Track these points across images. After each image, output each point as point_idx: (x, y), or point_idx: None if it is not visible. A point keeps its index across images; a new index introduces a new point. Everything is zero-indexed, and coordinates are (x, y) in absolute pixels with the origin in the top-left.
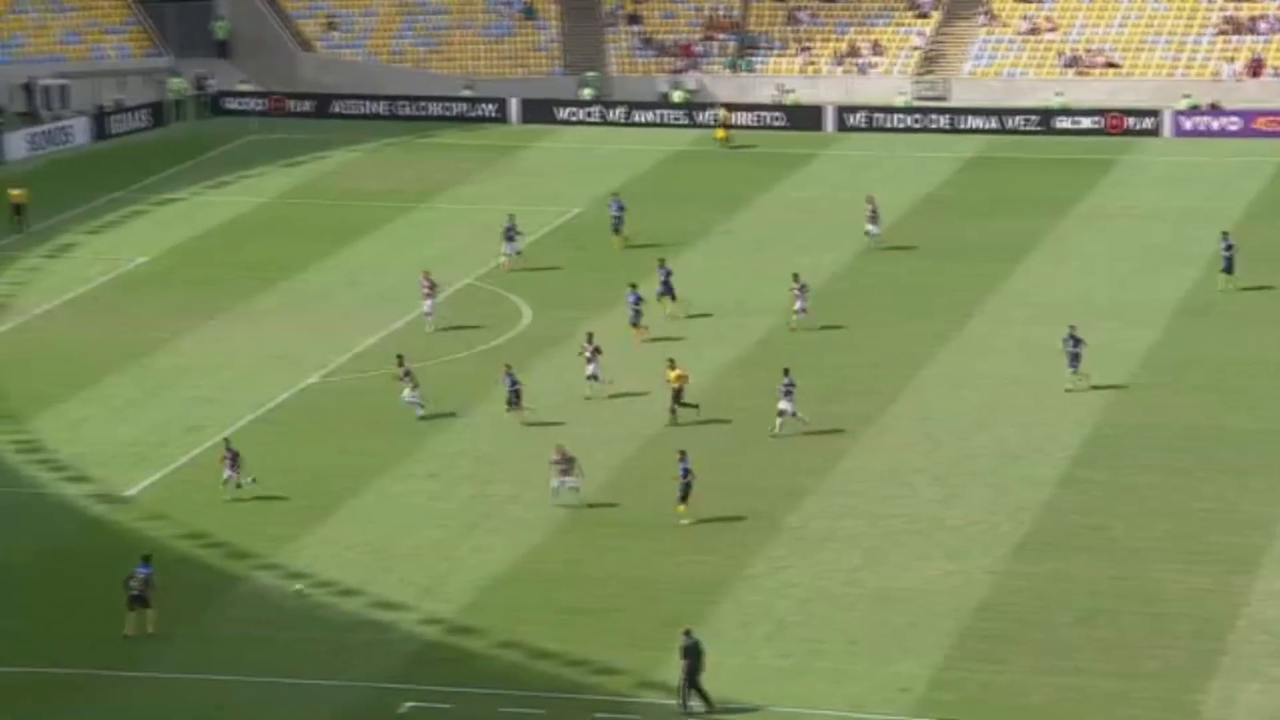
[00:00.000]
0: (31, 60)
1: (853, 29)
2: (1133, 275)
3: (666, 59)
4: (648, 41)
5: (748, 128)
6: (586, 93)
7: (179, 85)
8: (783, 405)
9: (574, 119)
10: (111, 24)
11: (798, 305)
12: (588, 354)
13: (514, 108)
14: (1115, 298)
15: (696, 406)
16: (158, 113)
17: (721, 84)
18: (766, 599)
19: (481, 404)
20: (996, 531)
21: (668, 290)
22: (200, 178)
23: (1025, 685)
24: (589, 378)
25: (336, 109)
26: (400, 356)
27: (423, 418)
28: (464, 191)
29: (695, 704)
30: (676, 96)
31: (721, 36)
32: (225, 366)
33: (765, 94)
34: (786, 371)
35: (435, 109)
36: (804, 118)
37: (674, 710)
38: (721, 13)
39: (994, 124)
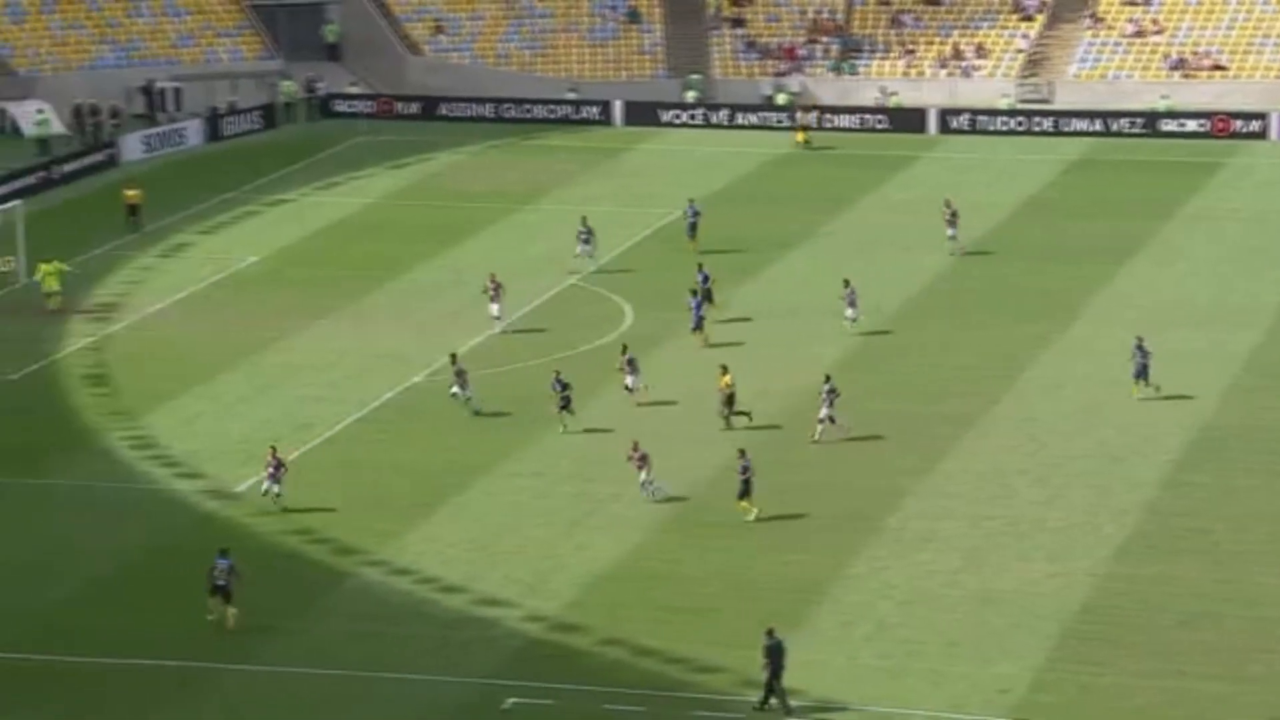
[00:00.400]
0: (148, 64)
1: (956, 32)
2: (1237, 278)
3: (770, 62)
4: (751, 44)
5: (850, 130)
6: (690, 95)
7: (290, 88)
8: (824, 412)
9: (677, 121)
10: (225, 28)
11: (849, 313)
12: (624, 366)
13: (618, 110)
14: (1219, 300)
15: (748, 414)
16: (269, 115)
17: (824, 87)
18: (866, 599)
19: (583, 403)
20: (1099, 533)
21: (706, 296)
22: (310, 179)
23: (1127, 688)
24: (626, 388)
25: (443, 111)
26: (454, 355)
27: (477, 414)
28: (567, 193)
29: (774, 702)
30: (780, 99)
31: (825, 39)
32: (333, 365)
33: (868, 97)
34: (828, 378)
35: (540, 111)
36: (907, 120)
37: (752, 706)
38: (825, 16)
39: (1098, 127)
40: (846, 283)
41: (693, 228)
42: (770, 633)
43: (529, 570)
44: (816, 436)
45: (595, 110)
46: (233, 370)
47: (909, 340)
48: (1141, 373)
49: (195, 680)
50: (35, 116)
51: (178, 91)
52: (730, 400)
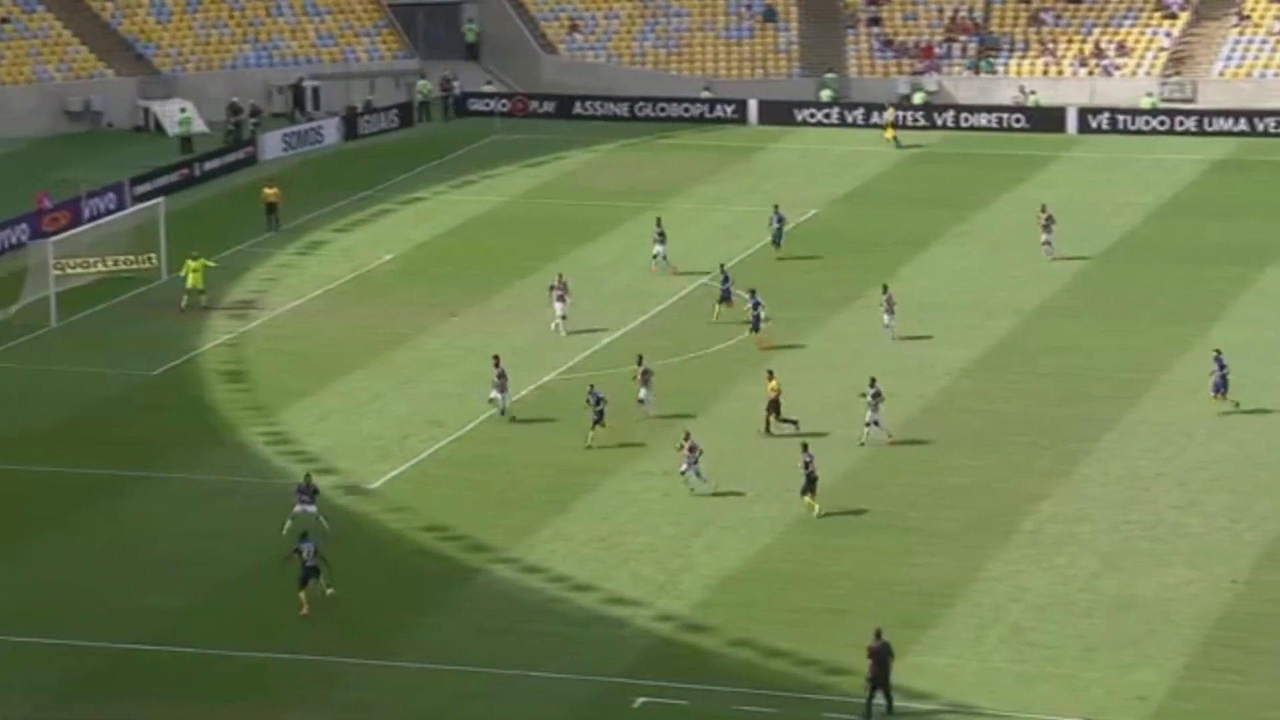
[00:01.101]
0: (288, 63)
1: (1097, 30)
2: None
3: (906, 61)
4: (888, 43)
5: (987, 130)
6: (825, 94)
7: (426, 87)
8: (870, 415)
9: (812, 120)
10: (364, 27)
11: (886, 320)
12: (638, 377)
13: (753, 109)
14: None
15: (795, 422)
16: (406, 114)
17: (962, 86)
18: (1001, 603)
19: (716, 403)
20: (1239, 540)
21: (726, 297)
22: (444, 177)
23: (1270, 697)
24: (639, 401)
25: (577, 110)
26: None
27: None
28: (701, 192)
29: (879, 702)
30: (916, 98)
31: (963, 38)
32: (466, 362)
33: (1006, 96)
34: (873, 381)
35: (674, 110)
36: (1045, 120)
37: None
38: (963, 14)
39: (1243, 126)
40: (885, 288)
41: (778, 235)
42: (878, 634)
43: (659, 569)
44: (864, 439)
45: (730, 109)
46: (366, 367)
47: (1046, 342)
48: (1220, 387)
49: (329, 676)
50: (178, 115)
51: (316, 90)
52: (775, 406)
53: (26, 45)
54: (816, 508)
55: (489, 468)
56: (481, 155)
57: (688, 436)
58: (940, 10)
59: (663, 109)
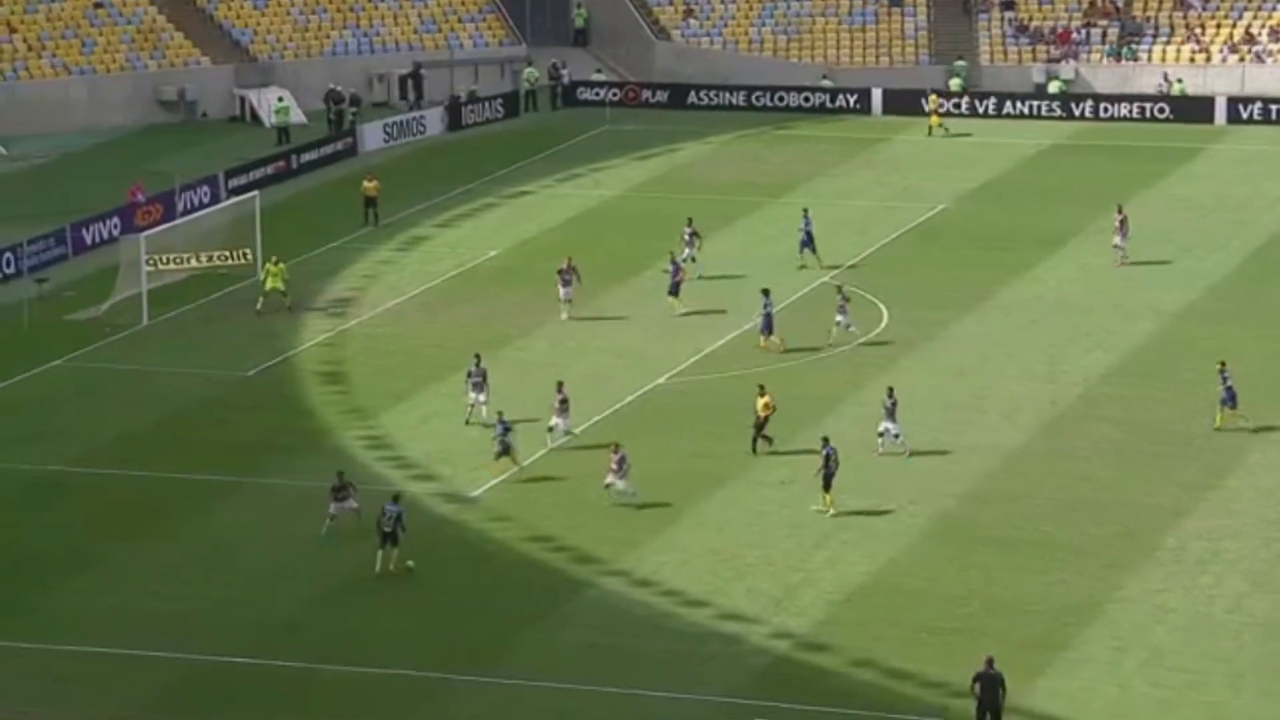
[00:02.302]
0: (389, 50)
1: (1249, 14)
2: None
3: (1042, 47)
4: (1022, 29)
5: (1129, 120)
6: (954, 83)
7: (533, 75)
8: (885, 424)
9: (941, 110)
10: (468, 13)
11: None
12: (556, 405)
13: (876, 99)
14: None
15: (771, 440)
16: (511, 103)
17: (1101, 74)
18: (1141, 624)
19: (832, 411)
20: None
21: (674, 290)
22: (552, 170)
23: None
24: (549, 429)
25: (692, 100)
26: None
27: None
28: (822, 186)
29: None
30: (1052, 87)
31: (1103, 23)
32: (573, 364)
33: (1149, 84)
34: (890, 391)
35: (794, 100)
36: (1191, 109)
37: None
38: None
39: None
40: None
41: (808, 240)
42: (990, 662)
43: (776, 585)
44: (879, 450)
45: (852, 99)
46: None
47: (1190, 347)
48: (1229, 399)
49: (431, 692)
50: (275, 104)
51: (418, 79)
52: (762, 424)
53: (119, 32)
54: (831, 509)
55: (597, 475)
56: (590, 147)
57: (617, 448)
58: None
59: (781, 99)
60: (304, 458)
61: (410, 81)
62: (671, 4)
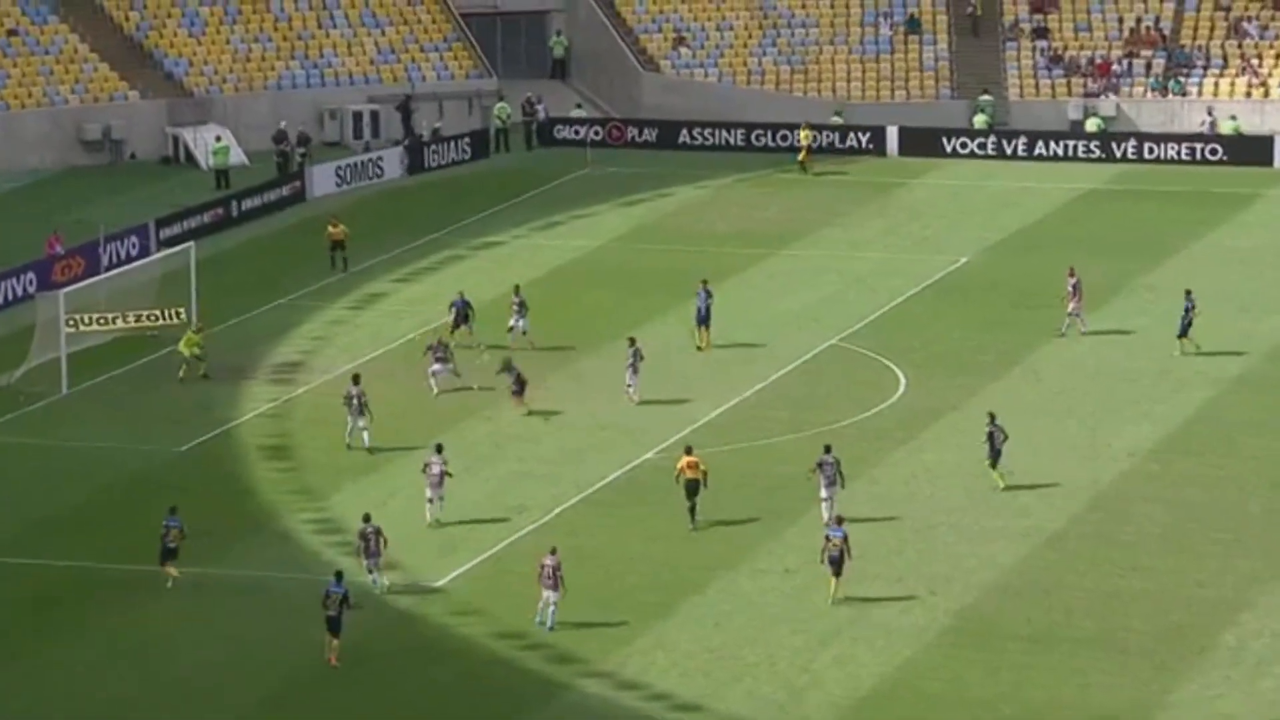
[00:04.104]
0: (341, 84)
1: None
2: None
3: (1078, 80)
4: (1056, 59)
5: (1175, 162)
6: (980, 120)
7: (504, 111)
8: (824, 491)
9: (964, 151)
10: (431, 41)
11: (631, 381)
12: (433, 472)
13: (892, 138)
14: None
15: (693, 510)
16: (480, 143)
17: (1145, 110)
18: None
19: (851, 486)
20: None
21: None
22: (526, 217)
23: None
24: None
25: (684, 138)
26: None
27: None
28: (831, 236)
29: None
30: (1090, 125)
31: (1147, 53)
32: (549, 437)
33: (1199, 121)
34: (828, 449)
35: (799, 139)
36: (1247, 150)
37: None
38: (1148, 24)
39: None
40: (632, 341)
41: (704, 314)
42: None
43: (779, 687)
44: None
45: (865, 137)
46: (442, 441)
47: (1248, 417)
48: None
49: None
50: (213, 144)
51: (374, 115)
52: (694, 488)
53: (37, 62)
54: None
55: (577, 562)
56: (570, 192)
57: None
58: (1120, 20)
59: (785, 137)
60: (245, 544)
61: (401, 115)
62: (660, 31)
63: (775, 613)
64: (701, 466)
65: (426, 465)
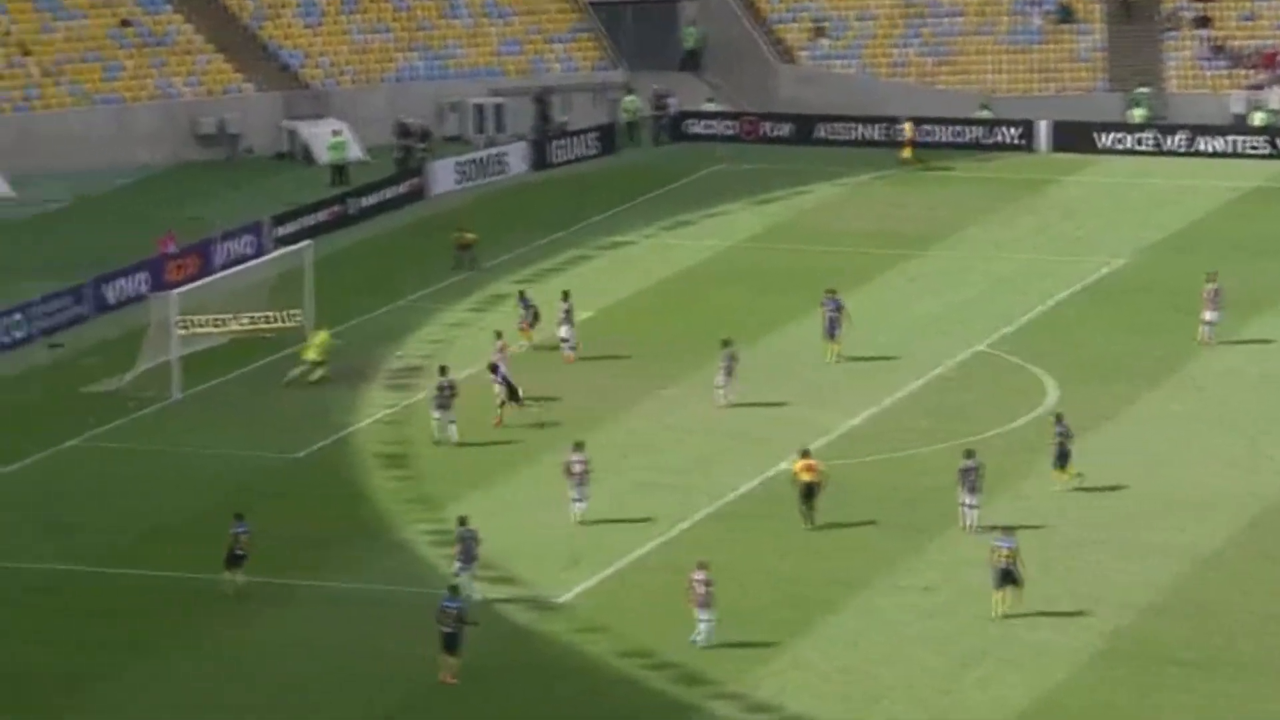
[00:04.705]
0: (463, 75)
1: None
2: None
3: (1243, 71)
4: (1219, 49)
5: None
6: (1137, 114)
7: (633, 104)
8: (967, 498)
9: (1119, 146)
10: (557, 32)
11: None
12: (575, 471)
13: (1042, 132)
14: None
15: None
16: (608, 138)
17: None
18: None
19: (991, 501)
20: None
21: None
22: (656, 216)
23: None
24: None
25: (821, 133)
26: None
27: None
28: (976, 236)
29: None
30: (1256, 119)
31: None
32: (678, 446)
33: None
34: (970, 453)
35: (943, 134)
36: None
37: None
38: None
39: None
40: (726, 343)
41: (833, 325)
42: None
43: (918, 710)
44: (969, 525)
45: (1014, 132)
46: (556, 451)
47: None
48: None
49: None
50: (330, 139)
51: (497, 109)
52: (811, 491)
53: (150, 54)
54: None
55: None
56: (701, 189)
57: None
58: None
59: (929, 132)
60: (360, 554)
61: (537, 108)
62: (797, 21)
63: (915, 632)
64: (820, 469)
65: (568, 464)
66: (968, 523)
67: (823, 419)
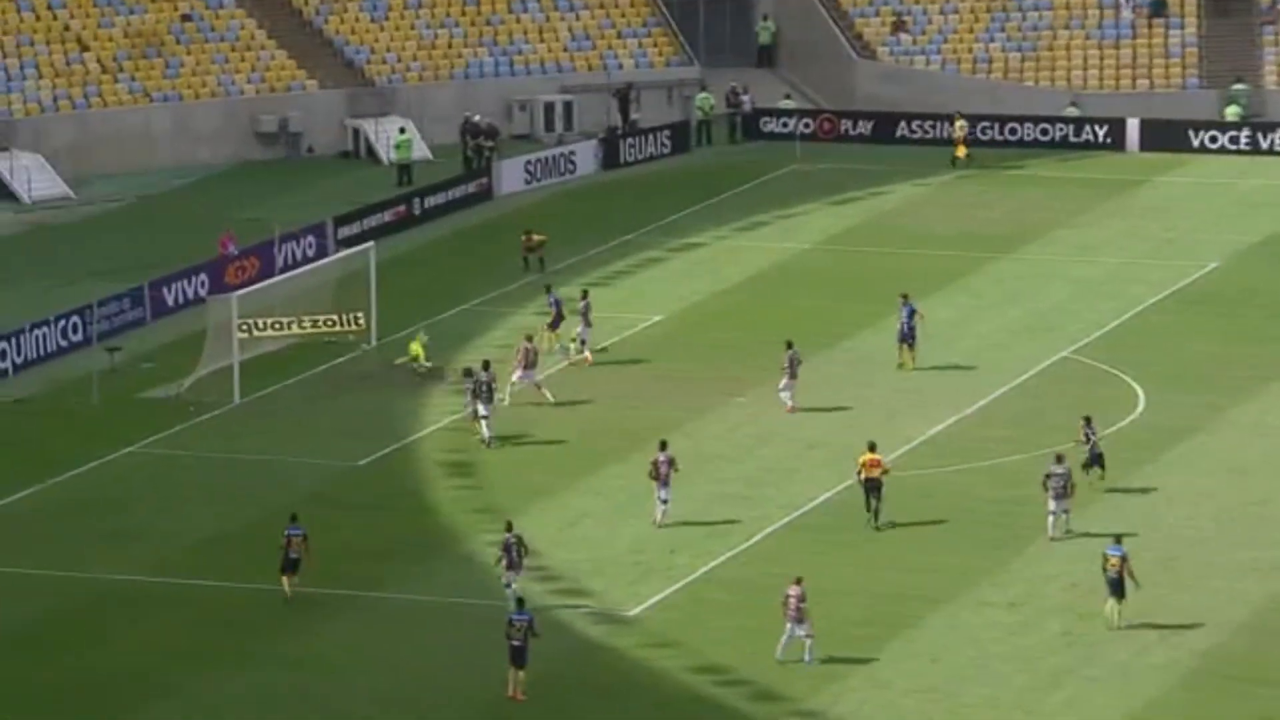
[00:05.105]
0: (532, 72)
1: None
2: None
3: None
4: None
5: None
6: (1231, 111)
7: (707, 102)
8: (1054, 504)
9: (1212, 146)
10: (629, 26)
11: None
12: (661, 471)
13: (1133, 131)
14: None
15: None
16: (680, 136)
17: None
18: None
19: (1078, 513)
20: None
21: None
22: (729, 217)
23: None
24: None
25: (901, 132)
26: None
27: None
28: (1063, 238)
29: None
30: None
31: None
32: (751, 455)
33: None
34: (1060, 458)
35: (1029, 132)
36: None
37: None
38: None
39: None
40: (789, 345)
41: (908, 332)
42: None
43: None
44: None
45: (1103, 131)
46: (627, 460)
47: None
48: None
49: None
50: (395, 137)
51: (567, 106)
52: (875, 486)
53: (211, 49)
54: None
55: (780, 592)
56: (777, 189)
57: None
58: None
59: (1014, 130)
60: (424, 566)
61: (619, 103)
62: (878, 15)
63: (999, 650)
64: (885, 465)
65: (654, 463)
66: (1054, 531)
67: (903, 427)
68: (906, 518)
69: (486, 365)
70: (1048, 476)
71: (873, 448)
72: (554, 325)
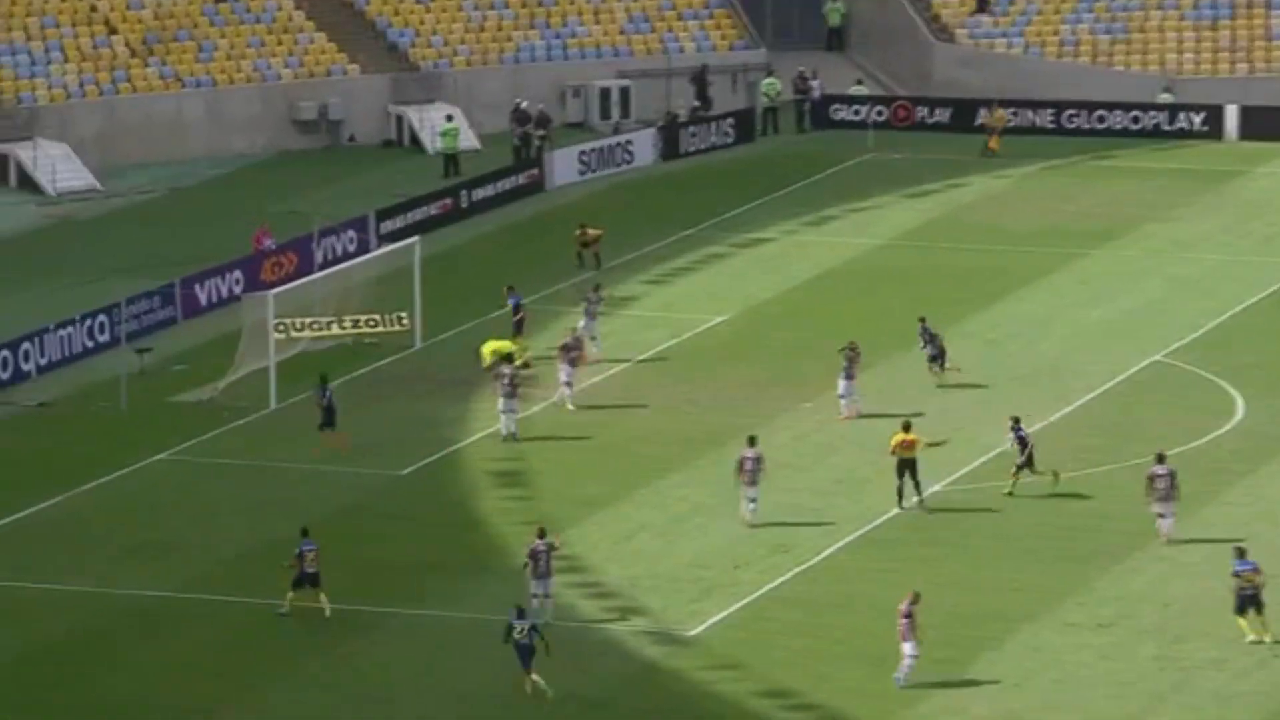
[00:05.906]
0: (586, 56)
1: None
2: None
3: None
4: None
5: None
6: None
7: (774, 88)
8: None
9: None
10: (690, 8)
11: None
12: (748, 469)
13: (1231, 119)
14: None
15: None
16: (745, 124)
17: None
18: None
19: (1181, 524)
20: None
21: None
22: (797, 210)
23: None
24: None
25: (982, 119)
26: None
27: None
28: (1155, 233)
29: None
30: None
31: None
32: (819, 465)
33: None
34: (1161, 457)
35: (1120, 120)
36: None
37: None
38: None
39: None
40: (850, 345)
41: (937, 355)
42: None
43: None
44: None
45: (1199, 119)
46: (698, 469)
47: None
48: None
49: None
50: (442, 126)
51: (624, 92)
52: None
53: (247, 32)
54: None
55: (853, 610)
56: (848, 181)
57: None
58: None
59: (1102, 118)
60: (470, 582)
61: (695, 88)
62: None
63: (1087, 674)
64: (920, 445)
65: (741, 460)
66: (1164, 534)
67: (982, 436)
68: (984, 533)
69: (510, 359)
70: (1151, 479)
71: (907, 427)
72: (518, 329)
